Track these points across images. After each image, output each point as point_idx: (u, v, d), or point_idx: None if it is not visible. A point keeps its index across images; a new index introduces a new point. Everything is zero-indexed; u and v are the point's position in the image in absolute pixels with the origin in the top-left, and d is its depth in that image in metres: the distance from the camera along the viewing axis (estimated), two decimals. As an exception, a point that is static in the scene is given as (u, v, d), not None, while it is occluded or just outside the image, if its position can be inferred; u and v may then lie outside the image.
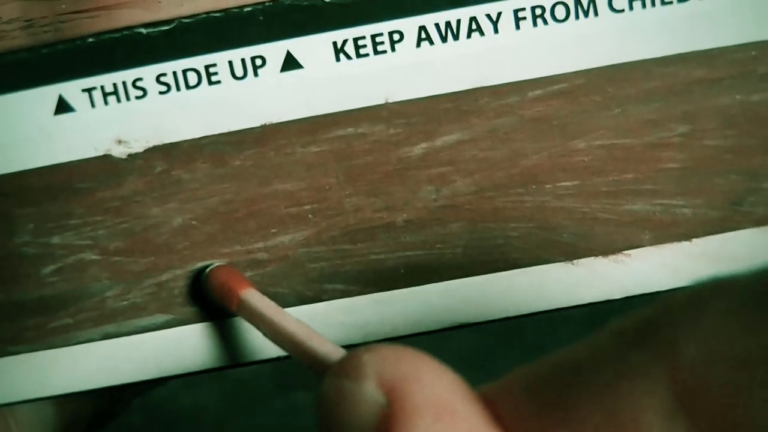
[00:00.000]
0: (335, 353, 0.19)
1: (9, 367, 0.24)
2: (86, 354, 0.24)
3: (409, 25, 0.23)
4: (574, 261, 0.24)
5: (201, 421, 0.56)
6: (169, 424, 0.56)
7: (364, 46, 0.23)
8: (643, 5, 0.23)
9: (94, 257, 0.24)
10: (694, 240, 0.23)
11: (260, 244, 0.24)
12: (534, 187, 0.23)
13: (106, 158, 0.23)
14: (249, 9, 0.23)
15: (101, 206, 0.24)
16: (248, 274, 0.24)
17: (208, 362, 0.25)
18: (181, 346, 0.24)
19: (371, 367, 0.16)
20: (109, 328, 0.24)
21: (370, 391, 0.15)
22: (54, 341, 0.24)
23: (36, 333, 0.24)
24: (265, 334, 0.22)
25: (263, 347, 0.24)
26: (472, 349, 0.60)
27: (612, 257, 0.23)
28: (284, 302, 0.24)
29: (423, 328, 0.24)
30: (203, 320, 0.24)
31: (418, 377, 0.15)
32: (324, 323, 0.24)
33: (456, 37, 0.23)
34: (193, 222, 0.24)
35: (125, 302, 0.24)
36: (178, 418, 0.56)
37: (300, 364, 0.21)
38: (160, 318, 0.24)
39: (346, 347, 0.23)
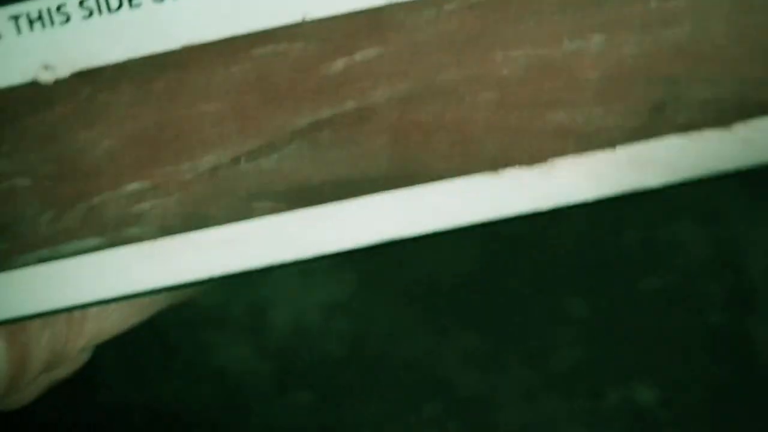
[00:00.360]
0: None
1: None
2: (22, 279, 0.25)
3: None
4: (498, 171, 0.24)
5: (201, 420, 0.57)
6: (169, 424, 0.57)
7: (282, -37, 0.23)
8: None
9: (26, 183, 0.24)
10: (618, 148, 0.23)
11: (187, 165, 0.24)
12: (455, 98, 0.24)
13: (34, 84, 0.24)
14: None
15: (31, 132, 0.24)
16: (177, 194, 0.24)
17: (143, 284, 0.25)
18: (117, 270, 0.25)
19: None
20: (44, 252, 0.25)
21: None
22: None
23: None
24: None
25: (206, 266, 0.25)
26: (472, 349, 0.61)
27: (537, 167, 0.24)
28: (214, 221, 0.24)
29: (351, 244, 0.24)
30: (139, 241, 0.25)
31: None
32: (252, 241, 0.24)
33: (372, -48, 0.23)
34: (121, 145, 0.24)
35: (59, 226, 0.25)
36: (178, 418, 0.57)
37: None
38: (94, 241, 0.25)
39: (280, 266, 0.24)
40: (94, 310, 0.31)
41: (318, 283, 0.59)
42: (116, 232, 0.25)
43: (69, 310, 0.25)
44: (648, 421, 0.59)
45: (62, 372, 0.34)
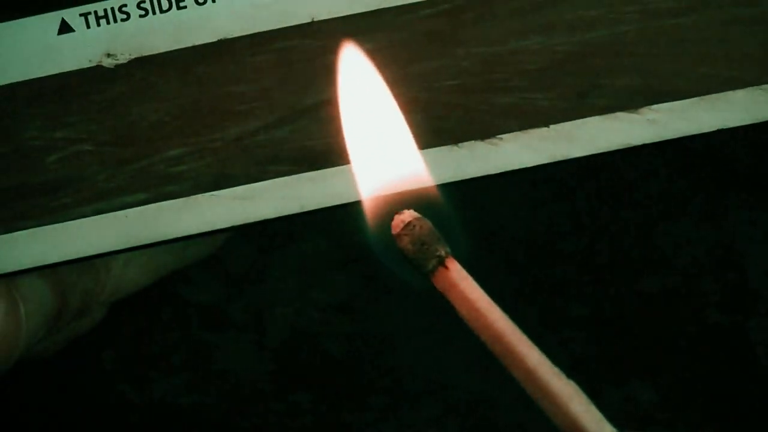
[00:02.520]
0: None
1: (19, 240, 0.37)
2: (82, 227, 0.37)
3: None
4: (459, 144, 0.37)
5: (200, 421, 0.64)
6: (169, 424, 0.64)
7: (296, -24, 0.36)
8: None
9: (89, 148, 0.37)
10: (551, 126, 0.37)
11: (217, 135, 0.37)
12: (426, 85, 0.37)
13: (98, 68, 0.37)
14: None
15: (94, 106, 0.37)
16: (208, 159, 0.37)
17: (181, 231, 0.37)
18: (158, 220, 0.37)
19: None
20: (100, 205, 0.37)
21: None
22: (56, 217, 0.37)
23: (41, 211, 0.36)
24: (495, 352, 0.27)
25: (230, 217, 0.36)
26: (472, 349, 0.69)
27: (488, 140, 0.37)
28: (235, 181, 0.37)
29: (346, 199, 0.37)
30: (177, 197, 0.37)
31: None
32: (268, 197, 0.37)
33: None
34: (166, 118, 0.37)
35: (113, 184, 0.37)
36: (177, 419, 0.64)
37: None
38: (141, 196, 0.37)
39: (285, 218, 0.36)
40: (115, 269, 0.44)
41: (318, 283, 0.63)
42: (158, 189, 0.37)
43: (119, 253, 0.38)
44: (648, 421, 0.63)
45: (84, 324, 0.47)
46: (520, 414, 0.64)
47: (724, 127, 0.35)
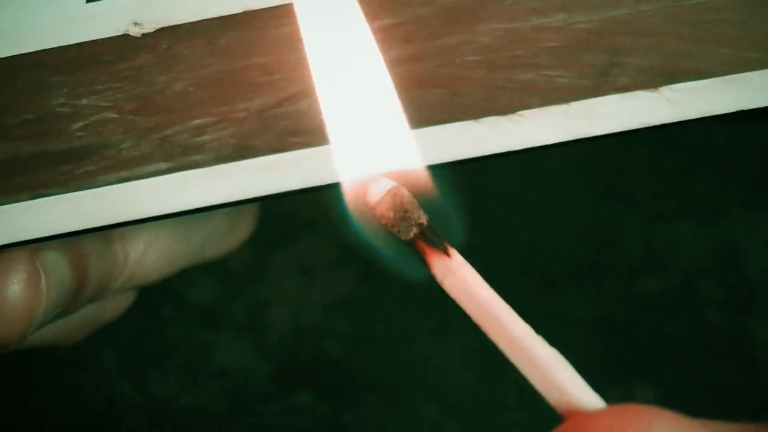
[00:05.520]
0: (590, 399, 0.27)
1: (43, 208, 0.37)
2: (105, 195, 0.37)
3: None
4: (479, 120, 0.37)
5: (201, 421, 0.65)
6: (170, 424, 0.65)
7: (321, -50, 0.37)
8: None
9: (114, 116, 0.38)
10: (572, 103, 0.37)
11: (241, 106, 0.37)
12: (447, 60, 0.37)
13: (125, 37, 0.37)
14: None
15: (120, 75, 0.37)
16: (232, 129, 0.38)
17: (204, 202, 0.37)
18: (181, 189, 0.38)
19: None
20: (124, 173, 0.37)
21: None
22: (80, 185, 0.37)
23: (66, 178, 0.37)
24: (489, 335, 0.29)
25: (253, 188, 0.37)
26: (472, 349, 0.67)
27: (509, 117, 0.37)
28: (258, 152, 0.37)
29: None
30: (200, 167, 0.38)
31: None
32: (290, 169, 0.37)
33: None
34: (190, 88, 0.37)
35: (137, 152, 0.37)
36: (178, 419, 0.65)
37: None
38: (163, 165, 0.38)
39: (306, 190, 0.37)
40: (134, 255, 0.45)
41: (318, 283, 0.65)
42: (182, 159, 0.37)
43: (141, 222, 0.38)
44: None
45: (108, 313, 0.48)
46: (521, 414, 0.65)
47: (744, 109, 0.35)
